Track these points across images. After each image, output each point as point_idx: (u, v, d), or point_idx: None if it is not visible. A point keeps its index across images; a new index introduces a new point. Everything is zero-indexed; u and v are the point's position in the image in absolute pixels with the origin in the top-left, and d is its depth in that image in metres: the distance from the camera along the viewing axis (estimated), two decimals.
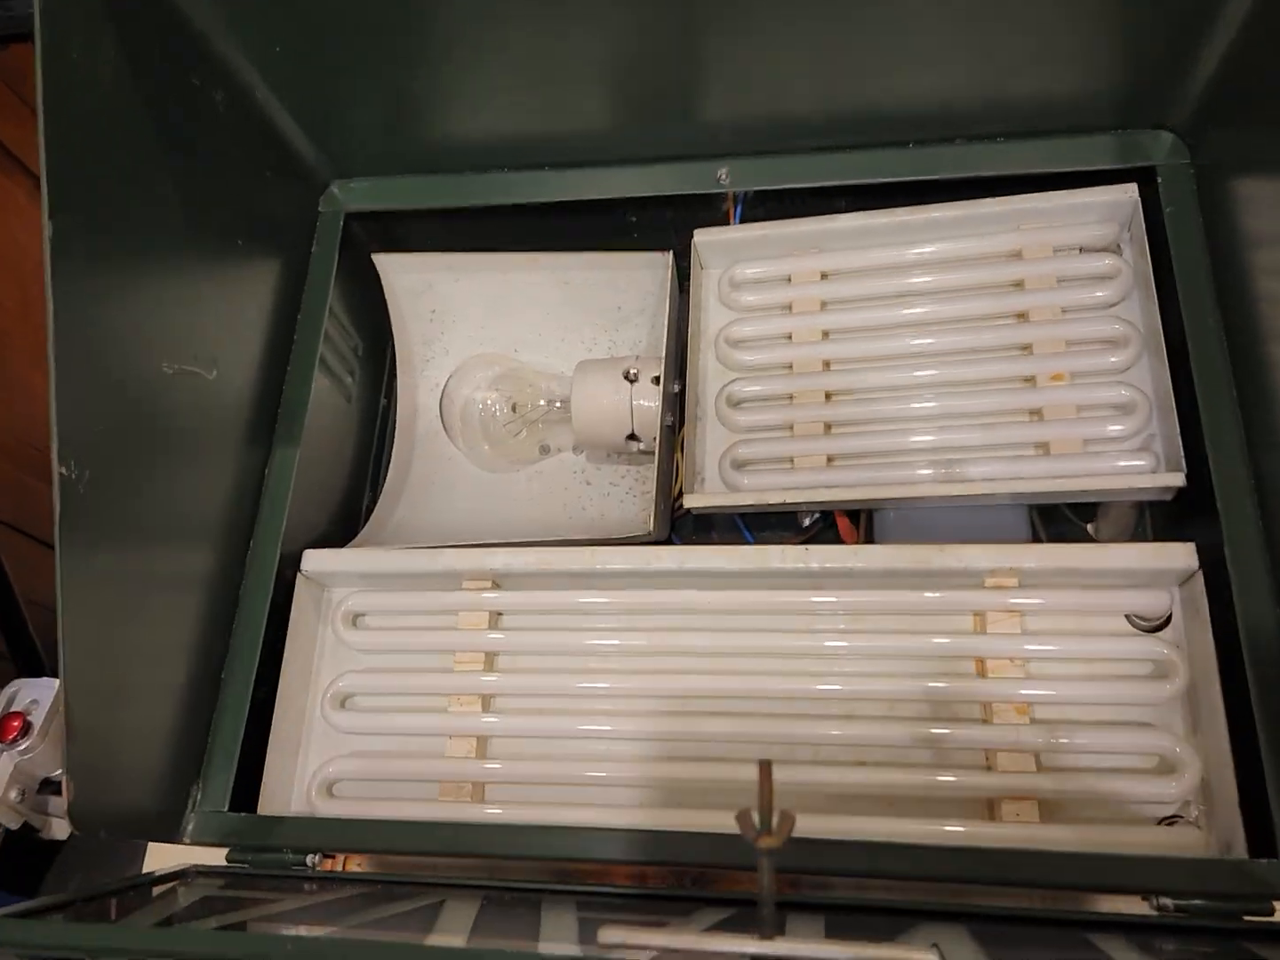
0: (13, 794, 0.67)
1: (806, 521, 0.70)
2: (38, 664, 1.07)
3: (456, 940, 0.44)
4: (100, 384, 0.50)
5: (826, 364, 0.68)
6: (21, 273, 1.13)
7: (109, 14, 0.51)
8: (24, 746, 0.68)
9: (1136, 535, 0.67)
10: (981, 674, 0.57)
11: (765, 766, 0.35)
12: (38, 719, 0.69)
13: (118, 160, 0.52)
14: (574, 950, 0.40)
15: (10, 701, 0.70)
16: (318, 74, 0.64)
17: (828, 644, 0.60)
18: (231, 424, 0.63)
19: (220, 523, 0.62)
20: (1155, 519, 0.67)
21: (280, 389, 0.68)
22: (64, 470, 0.47)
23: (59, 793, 0.69)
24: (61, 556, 0.48)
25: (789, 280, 0.71)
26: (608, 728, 0.60)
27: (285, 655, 0.62)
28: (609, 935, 0.33)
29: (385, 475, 0.77)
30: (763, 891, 0.33)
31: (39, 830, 0.71)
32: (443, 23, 0.60)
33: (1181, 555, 0.56)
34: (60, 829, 0.72)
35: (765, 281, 0.72)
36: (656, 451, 0.66)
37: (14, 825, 0.68)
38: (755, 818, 0.34)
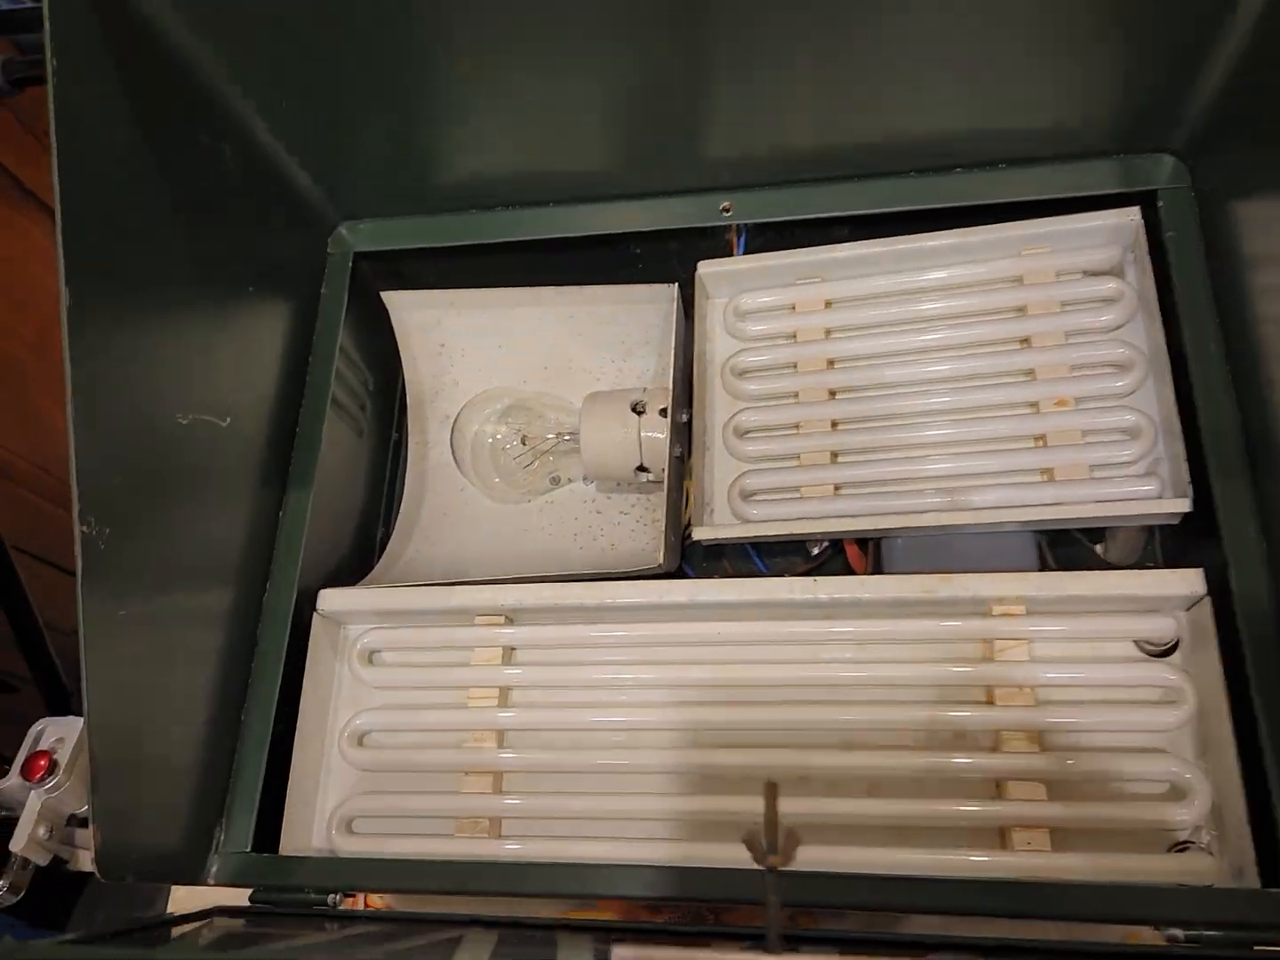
0: (41, 831, 0.69)
1: (815, 550, 0.70)
2: (61, 691, 1.09)
3: None
4: (118, 442, 0.51)
5: (832, 393, 0.69)
6: (39, 307, 1.16)
7: (121, 78, 0.53)
8: (51, 785, 0.69)
9: (1145, 556, 0.67)
10: (990, 702, 0.58)
11: (771, 788, 0.37)
12: (63, 757, 0.70)
13: (131, 221, 0.53)
14: None
15: (37, 741, 0.71)
16: (322, 120, 0.65)
17: (838, 674, 0.60)
18: (246, 468, 0.64)
19: (237, 565, 0.63)
20: (1164, 540, 0.67)
21: (293, 429, 0.69)
22: (84, 528, 0.48)
23: (84, 825, 0.70)
24: (84, 608, 0.49)
25: (793, 309, 0.71)
26: (622, 761, 0.61)
27: (303, 694, 0.64)
28: (621, 953, 0.34)
29: (398, 508, 0.78)
30: (771, 909, 0.34)
31: (66, 862, 0.73)
32: (445, 65, 0.61)
33: (1188, 581, 0.56)
34: (87, 861, 0.74)
35: (770, 311, 0.72)
36: (665, 483, 0.67)
37: (43, 861, 0.69)
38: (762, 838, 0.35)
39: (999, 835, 0.56)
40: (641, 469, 0.71)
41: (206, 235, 0.61)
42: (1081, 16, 0.56)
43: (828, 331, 0.70)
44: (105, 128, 0.52)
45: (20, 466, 1.18)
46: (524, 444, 0.76)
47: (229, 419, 0.62)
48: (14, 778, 0.69)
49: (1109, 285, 0.65)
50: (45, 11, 0.49)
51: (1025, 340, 0.66)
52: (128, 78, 0.53)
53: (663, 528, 0.66)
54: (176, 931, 0.54)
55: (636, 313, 0.76)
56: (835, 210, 0.68)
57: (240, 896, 0.58)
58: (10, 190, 1.09)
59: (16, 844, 0.66)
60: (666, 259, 0.76)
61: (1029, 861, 0.53)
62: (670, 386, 0.68)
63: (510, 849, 0.59)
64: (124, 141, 0.53)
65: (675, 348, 0.70)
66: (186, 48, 0.57)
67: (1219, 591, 0.56)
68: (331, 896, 0.57)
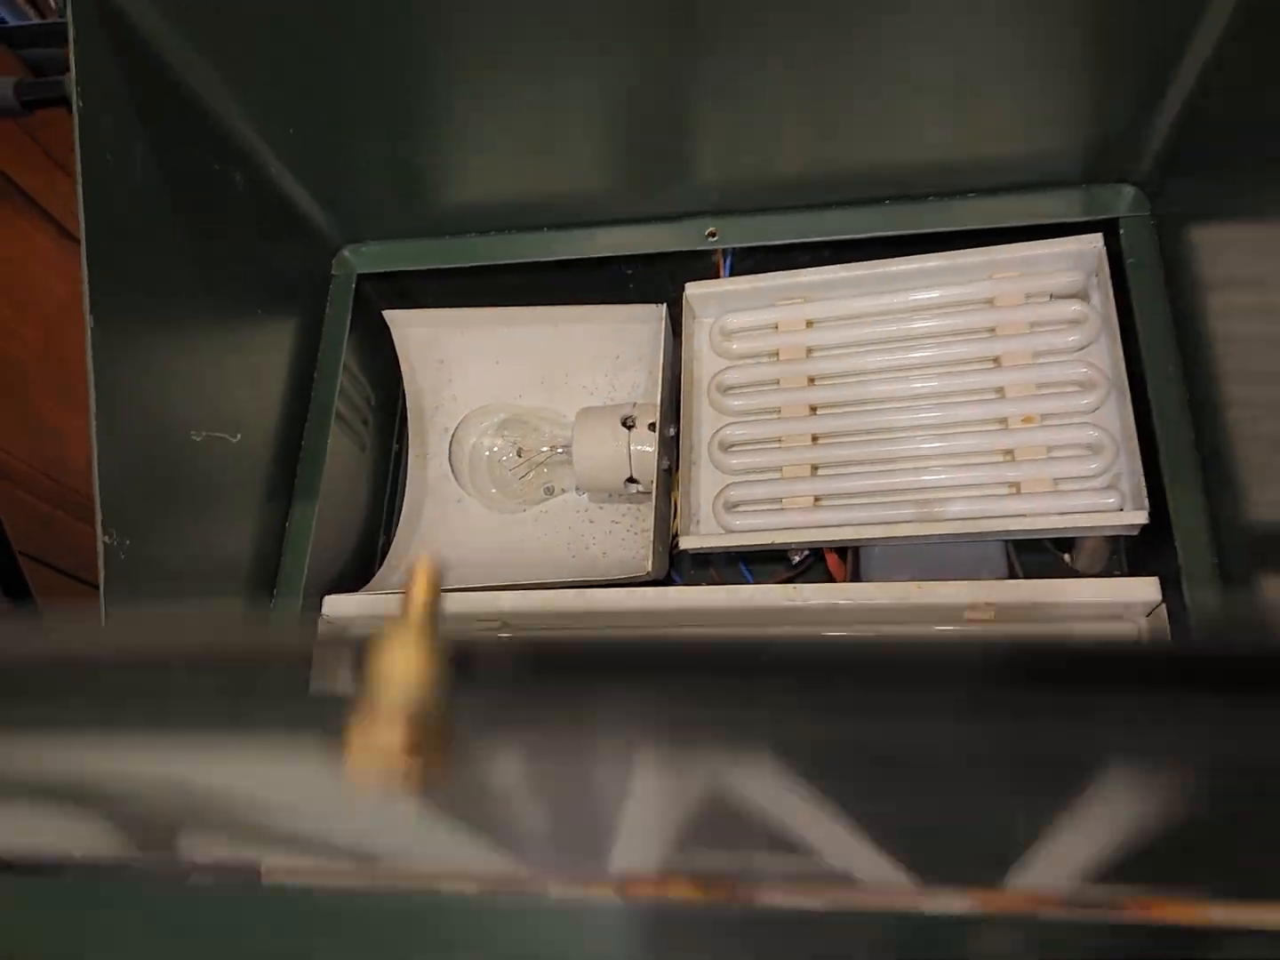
0: None
1: (796, 559, 0.74)
2: None
3: None
4: (137, 457, 0.55)
5: (813, 409, 0.72)
6: (43, 313, 1.18)
7: (140, 113, 0.56)
8: None
9: (1111, 564, 0.71)
10: None
11: None
12: None
13: (150, 251, 0.57)
14: None
15: None
16: (328, 150, 0.69)
17: None
18: (254, 481, 0.67)
19: (246, 574, 0.66)
20: (1128, 548, 0.71)
21: (299, 443, 0.73)
22: (107, 539, 0.51)
23: None
24: (108, 613, 0.52)
25: (776, 328, 0.75)
26: None
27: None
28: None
29: (399, 517, 0.81)
30: None
31: None
32: (446, 95, 0.64)
33: (1145, 589, 0.59)
34: None
35: (754, 330, 0.76)
36: (653, 494, 0.70)
37: None
38: None
39: None
40: (631, 480, 0.74)
41: (218, 261, 0.64)
42: (1046, 59, 0.60)
43: (809, 350, 0.74)
44: (125, 160, 0.55)
45: (18, 468, 1.21)
46: (520, 456, 0.80)
47: (239, 435, 0.65)
48: None
49: (1074, 308, 0.69)
50: (71, 51, 0.52)
51: (995, 360, 0.70)
52: (145, 112, 0.57)
53: (651, 537, 0.69)
54: None
55: (627, 331, 0.79)
56: (816, 235, 0.72)
57: None
58: (12, 194, 1.11)
59: None
60: (657, 280, 0.79)
61: None
62: (659, 402, 0.72)
63: None
64: (142, 171, 0.56)
65: (664, 365, 0.73)
66: (200, 82, 0.61)
67: (1175, 598, 0.59)
68: None
